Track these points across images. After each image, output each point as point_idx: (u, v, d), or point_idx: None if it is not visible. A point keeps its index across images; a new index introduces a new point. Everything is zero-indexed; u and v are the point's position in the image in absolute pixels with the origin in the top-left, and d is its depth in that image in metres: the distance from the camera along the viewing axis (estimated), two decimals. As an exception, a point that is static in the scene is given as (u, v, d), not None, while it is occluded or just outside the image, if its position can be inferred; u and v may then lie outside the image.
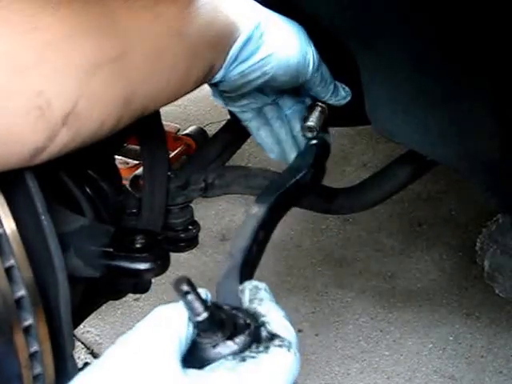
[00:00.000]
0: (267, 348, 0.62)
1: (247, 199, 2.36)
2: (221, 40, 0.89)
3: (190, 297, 0.59)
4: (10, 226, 0.83)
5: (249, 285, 0.71)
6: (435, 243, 2.30)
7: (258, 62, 0.94)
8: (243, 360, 0.60)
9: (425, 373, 1.84)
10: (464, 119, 1.08)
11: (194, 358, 0.61)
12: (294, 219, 2.34)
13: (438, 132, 1.12)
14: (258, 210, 0.83)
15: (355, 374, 1.84)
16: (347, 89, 1.16)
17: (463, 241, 2.29)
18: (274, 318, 0.66)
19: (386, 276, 2.18)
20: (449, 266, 2.21)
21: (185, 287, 0.59)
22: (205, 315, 0.60)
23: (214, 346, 0.61)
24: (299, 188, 1.00)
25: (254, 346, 0.62)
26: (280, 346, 0.62)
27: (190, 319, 0.61)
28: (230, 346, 0.61)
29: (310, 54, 1.02)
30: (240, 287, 0.70)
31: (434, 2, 0.98)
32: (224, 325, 0.62)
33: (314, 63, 1.02)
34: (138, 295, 2.15)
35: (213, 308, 0.62)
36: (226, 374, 0.59)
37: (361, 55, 1.11)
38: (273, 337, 0.63)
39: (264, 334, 0.64)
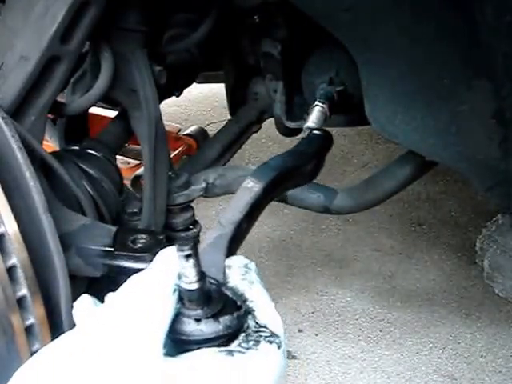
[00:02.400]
0: (257, 343, 0.57)
1: (247, 199, 2.36)
2: None
3: (190, 262, 0.55)
4: (11, 225, 0.83)
5: (238, 261, 0.64)
6: (435, 243, 2.30)
7: None
8: (231, 354, 0.55)
9: (424, 372, 1.83)
10: (464, 119, 1.09)
11: (174, 328, 0.56)
12: (294, 219, 2.34)
13: (438, 132, 1.12)
14: (253, 185, 0.77)
15: (355, 374, 1.84)
16: None
17: (463, 241, 2.29)
18: (264, 306, 0.60)
19: (385, 276, 2.18)
20: (448, 266, 2.20)
21: (187, 250, 0.54)
22: (197, 285, 0.55)
23: (197, 321, 0.56)
24: (298, 174, 0.96)
25: (242, 338, 0.57)
26: (270, 342, 0.57)
27: (179, 286, 0.56)
28: (214, 325, 0.56)
29: None
30: (227, 262, 0.64)
31: (433, 3, 0.98)
32: (212, 300, 0.57)
33: None
34: (138, 295, 2.14)
35: (208, 282, 0.57)
36: (210, 369, 0.54)
37: (360, 56, 1.11)
38: (261, 328, 0.58)
39: (251, 322, 0.58)
